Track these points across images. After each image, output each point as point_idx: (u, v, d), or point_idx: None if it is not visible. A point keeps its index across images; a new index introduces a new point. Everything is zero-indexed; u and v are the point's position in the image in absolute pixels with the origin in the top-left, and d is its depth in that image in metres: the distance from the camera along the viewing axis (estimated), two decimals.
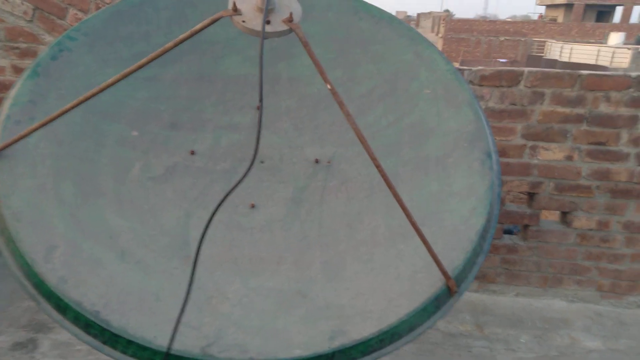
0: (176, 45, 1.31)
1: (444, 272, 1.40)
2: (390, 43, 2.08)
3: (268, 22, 1.31)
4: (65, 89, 1.68)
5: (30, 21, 3.09)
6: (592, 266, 3.16)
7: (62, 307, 1.23)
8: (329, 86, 1.32)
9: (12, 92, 1.62)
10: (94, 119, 1.75)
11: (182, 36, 1.31)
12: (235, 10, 1.31)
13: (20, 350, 2.44)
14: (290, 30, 1.33)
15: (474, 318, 3.02)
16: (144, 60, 1.33)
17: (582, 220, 3.09)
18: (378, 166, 1.36)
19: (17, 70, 3.18)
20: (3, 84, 3.19)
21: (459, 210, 1.63)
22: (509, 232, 3.42)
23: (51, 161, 1.54)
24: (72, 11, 3.08)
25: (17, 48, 3.15)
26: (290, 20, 1.33)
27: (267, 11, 1.30)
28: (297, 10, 1.36)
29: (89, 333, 1.21)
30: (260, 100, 1.10)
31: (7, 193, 1.38)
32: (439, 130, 1.88)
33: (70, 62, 1.75)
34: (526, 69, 2.95)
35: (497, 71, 2.96)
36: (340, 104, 1.33)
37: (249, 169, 1.10)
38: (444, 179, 1.75)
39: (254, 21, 1.30)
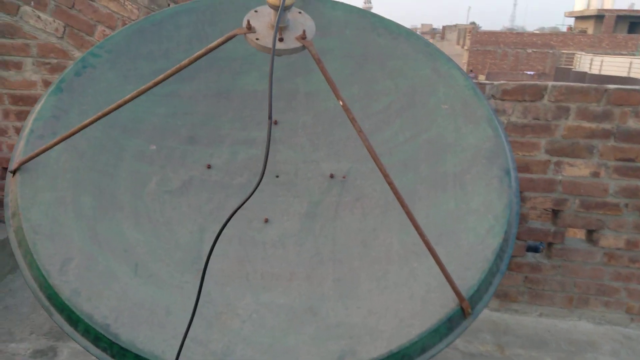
0: (191, 62, 1.34)
1: (457, 293, 1.37)
2: (407, 58, 2.07)
3: (281, 40, 1.33)
4: (87, 104, 1.73)
5: (61, 38, 3.21)
6: (621, 287, 3.04)
7: (73, 319, 1.25)
8: (341, 102, 1.32)
9: (37, 107, 1.67)
10: (114, 133, 1.79)
11: (197, 54, 1.33)
12: (250, 28, 1.33)
13: (41, 357, 2.49)
14: (304, 48, 1.34)
15: (495, 338, 2.94)
16: (159, 77, 1.36)
17: (609, 239, 2.99)
18: (390, 183, 1.34)
19: (48, 84, 3.29)
20: (34, 97, 3.31)
21: (476, 229, 1.60)
22: (534, 249, 3.33)
23: (71, 174, 1.58)
24: (100, 28, 3.18)
25: (48, 63, 3.27)
26: (303, 37, 1.34)
27: (279, 28, 1.32)
28: (310, 27, 1.37)
29: (98, 346, 1.22)
30: (270, 117, 1.11)
31: (27, 206, 1.42)
32: (457, 147, 1.85)
33: (93, 79, 1.80)
34: (550, 84, 2.89)
35: (520, 85, 2.91)
36: (353, 120, 1.33)
37: (256, 186, 1.11)
38: (461, 196, 1.72)
39: (268, 39, 1.31)
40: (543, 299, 3.13)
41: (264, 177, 1.98)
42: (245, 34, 1.33)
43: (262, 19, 1.35)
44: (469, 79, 2.00)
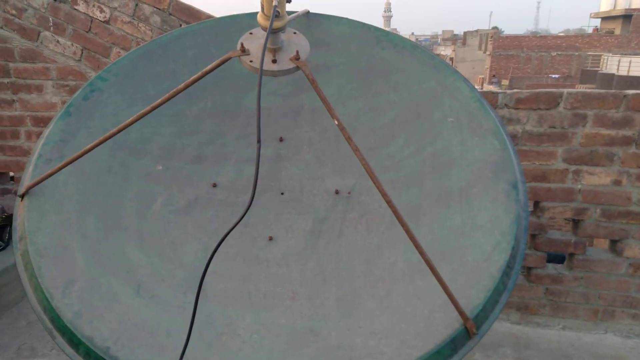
0: (187, 87, 1.36)
1: (461, 313, 1.33)
2: (412, 71, 2.05)
3: (275, 61, 1.33)
4: (94, 127, 1.78)
5: (79, 60, 3.32)
6: None
7: (75, 342, 1.27)
8: (335, 122, 1.31)
9: (46, 132, 1.72)
10: (121, 155, 1.82)
11: (193, 77, 1.35)
12: (244, 50, 1.34)
13: None
14: (297, 68, 1.34)
15: (516, 352, 2.85)
16: (158, 100, 1.38)
17: (634, 249, 2.87)
18: (389, 202, 1.32)
19: None
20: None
21: (482, 245, 1.56)
22: (559, 259, 3.22)
23: (77, 197, 1.62)
24: (115, 49, 3.27)
25: (67, 85, 3.38)
26: (297, 58, 1.34)
27: (273, 50, 1.32)
28: (304, 47, 1.38)
29: None
30: (258, 140, 1.11)
31: (33, 229, 1.46)
32: (463, 160, 1.82)
33: (100, 102, 1.84)
34: (565, 91, 2.82)
35: (534, 93, 2.85)
36: (349, 140, 1.32)
37: (246, 209, 1.10)
38: (467, 211, 1.68)
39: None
40: (566, 311, 3.03)
41: (269, 194, 1.99)
42: (239, 56, 1.34)
43: (256, 41, 1.36)
44: (475, 91, 1.97)
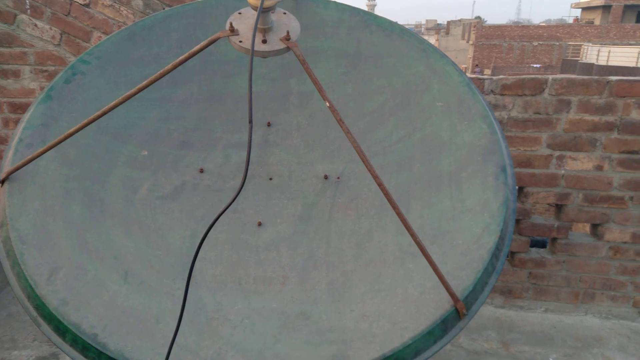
0: (175, 67, 1.32)
1: (451, 294, 1.34)
2: (401, 56, 2.04)
3: (265, 42, 1.31)
4: (77, 112, 1.72)
5: (58, 45, 3.22)
6: (627, 281, 2.99)
7: (61, 329, 1.24)
8: (327, 104, 1.29)
9: (26, 116, 1.67)
10: (105, 140, 1.78)
11: (180, 58, 1.32)
12: (233, 30, 1.31)
13: None
14: (288, 49, 1.32)
15: (500, 335, 2.90)
16: (144, 82, 1.34)
17: (614, 233, 2.94)
18: (380, 184, 1.32)
19: None
20: None
21: (471, 228, 1.57)
22: (540, 244, 3.28)
23: (61, 183, 1.57)
24: (96, 34, 3.18)
25: (45, 71, 3.28)
26: (287, 38, 1.31)
27: (263, 30, 1.29)
28: (295, 28, 1.35)
29: (86, 356, 1.21)
30: (250, 120, 1.09)
31: (15, 215, 1.42)
32: (452, 144, 1.82)
33: (82, 86, 1.79)
34: (550, 77, 2.85)
35: (520, 80, 2.87)
36: (340, 122, 1.30)
37: (237, 194, 1.08)
38: (457, 195, 1.69)
39: (251, 41, 1.29)
40: (548, 294, 3.09)
41: (258, 180, 1.97)
42: (228, 36, 1.31)
43: (245, 21, 1.33)
44: (464, 75, 1.97)
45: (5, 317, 2.90)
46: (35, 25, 3.18)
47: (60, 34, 3.19)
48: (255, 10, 1.26)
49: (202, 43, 1.30)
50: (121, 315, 1.31)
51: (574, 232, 3.10)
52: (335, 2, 2.20)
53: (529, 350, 2.76)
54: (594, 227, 3.01)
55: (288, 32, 1.31)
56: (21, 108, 3.33)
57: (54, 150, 1.56)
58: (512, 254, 3.10)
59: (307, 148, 2.02)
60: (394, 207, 1.33)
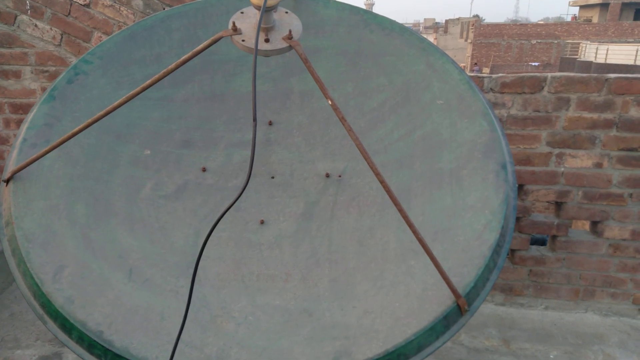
0: (178, 67, 1.33)
1: (453, 290, 1.35)
2: (401, 54, 2.05)
3: (267, 41, 1.32)
4: (80, 112, 1.73)
5: (59, 45, 3.23)
6: (627, 278, 3.00)
7: (67, 327, 1.25)
8: (329, 102, 1.30)
9: (30, 116, 1.68)
10: (108, 139, 1.79)
11: (183, 57, 1.33)
12: (236, 29, 1.32)
13: None
14: (290, 48, 1.33)
15: (501, 333, 2.91)
16: (147, 82, 1.35)
17: (614, 230, 2.95)
18: (382, 182, 1.33)
19: None
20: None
21: (472, 225, 1.58)
22: (540, 242, 3.29)
23: (65, 182, 1.58)
24: (96, 34, 3.19)
25: (46, 71, 3.28)
26: (289, 37, 1.32)
27: (265, 29, 1.31)
28: (297, 27, 1.36)
29: (92, 353, 1.22)
30: (254, 119, 1.10)
31: (20, 215, 1.43)
32: (453, 142, 1.83)
33: (85, 86, 1.80)
34: (549, 75, 2.86)
35: (519, 77, 2.88)
36: (342, 120, 1.31)
37: (241, 192, 1.10)
38: (458, 192, 1.70)
39: (253, 40, 1.30)
40: (548, 292, 3.10)
41: (259, 178, 1.98)
42: (231, 35, 1.32)
43: (248, 20, 1.34)
44: (464, 73, 1.98)
45: (8, 316, 2.90)
46: (36, 25, 3.19)
47: (61, 35, 3.20)
48: (258, 9, 1.27)
49: (205, 42, 1.31)
50: (126, 313, 1.32)
51: (574, 230, 3.12)
52: (335, 1, 2.21)
53: (530, 348, 2.77)
54: (594, 224, 3.03)
55: (290, 31, 1.32)
56: (22, 108, 3.34)
57: (57, 149, 1.57)
58: (512, 251, 3.12)
59: (309, 146, 2.03)
60: (396, 204, 1.34)
